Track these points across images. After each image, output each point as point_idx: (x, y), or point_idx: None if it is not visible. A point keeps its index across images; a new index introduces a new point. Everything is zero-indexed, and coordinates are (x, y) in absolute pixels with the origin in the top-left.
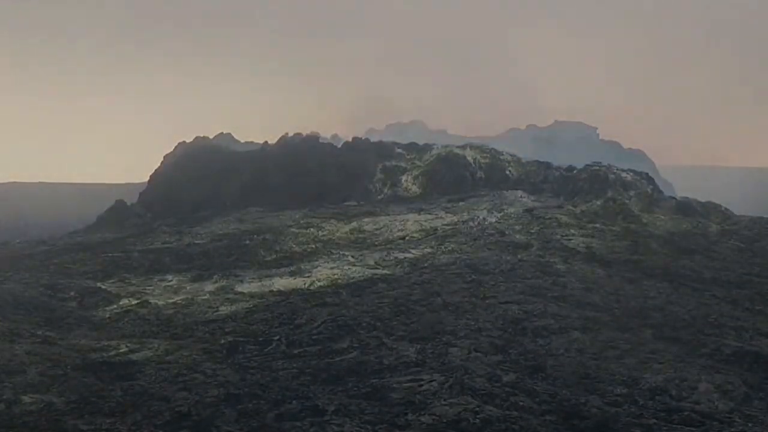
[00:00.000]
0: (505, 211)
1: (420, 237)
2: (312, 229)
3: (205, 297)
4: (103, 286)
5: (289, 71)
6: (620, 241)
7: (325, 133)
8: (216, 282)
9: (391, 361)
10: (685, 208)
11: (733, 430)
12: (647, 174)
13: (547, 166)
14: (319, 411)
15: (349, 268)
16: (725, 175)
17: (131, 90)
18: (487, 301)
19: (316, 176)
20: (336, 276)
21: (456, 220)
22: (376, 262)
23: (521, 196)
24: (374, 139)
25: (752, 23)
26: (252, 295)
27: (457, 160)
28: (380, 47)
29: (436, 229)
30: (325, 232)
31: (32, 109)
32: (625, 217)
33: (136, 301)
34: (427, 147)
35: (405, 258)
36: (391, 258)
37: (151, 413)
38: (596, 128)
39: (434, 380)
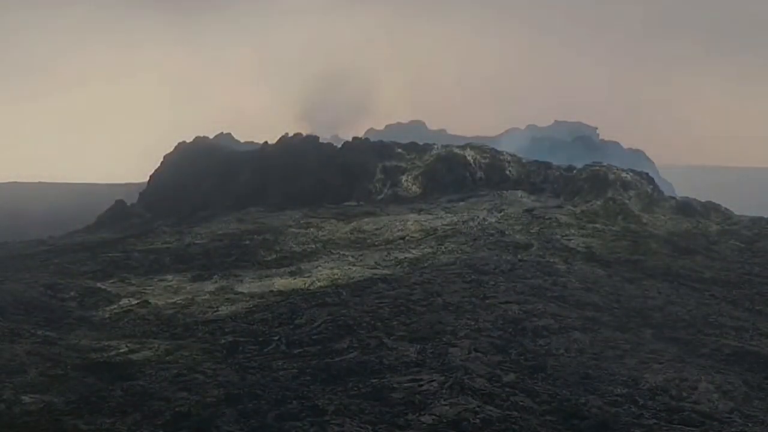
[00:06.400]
0: (505, 211)
1: (420, 237)
2: (312, 229)
3: (205, 297)
4: (103, 286)
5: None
6: (620, 241)
7: (325, 134)
8: (216, 282)
9: (391, 361)
10: (685, 208)
11: (733, 430)
12: (647, 174)
13: (547, 166)
14: (319, 411)
15: (349, 268)
16: (725, 175)
17: (131, 90)
18: (487, 301)
19: (316, 176)
20: (336, 276)
21: (456, 220)
22: (376, 262)
23: (521, 196)
24: (374, 139)
25: (753, 23)
26: (252, 295)
27: (457, 160)
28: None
29: (436, 229)
30: (325, 232)
31: (32, 109)
32: (625, 217)
33: (136, 301)
34: (427, 147)
35: (405, 258)
36: (391, 258)
37: (151, 413)
38: (596, 128)
39: (434, 380)
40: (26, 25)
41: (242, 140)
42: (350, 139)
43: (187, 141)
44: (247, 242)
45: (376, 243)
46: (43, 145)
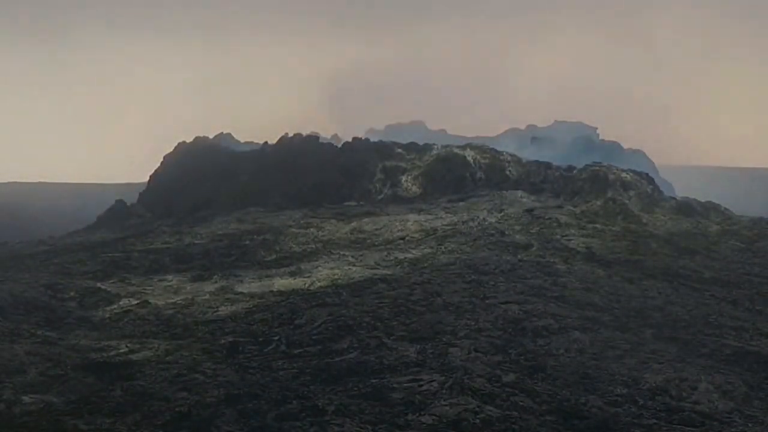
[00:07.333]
0: (505, 211)
1: (420, 237)
2: (312, 229)
3: (205, 297)
4: (103, 286)
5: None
6: (620, 241)
7: (325, 133)
8: (216, 282)
9: (391, 361)
10: (685, 208)
11: (733, 430)
12: (647, 174)
13: (547, 166)
14: (319, 411)
15: (349, 268)
16: (725, 175)
17: (131, 89)
18: (487, 301)
19: (316, 176)
20: (336, 276)
21: (456, 220)
22: (376, 262)
23: (521, 196)
24: (374, 139)
25: (752, 23)
26: (252, 295)
27: (457, 160)
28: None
29: (436, 229)
30: (325, 232)
31: (32, 109)
32: (625, 217)
33: (136, 301)
34: (427, 147)
35: (405, 258)
36: (391, 258)
37: (151, 413)
38: (596, 128)
39: (434, 380)
40: (26, 23)
41: (242, 140)
42: (350, 139)
43: (187, 141)
44: (247, 242)
45: (376, 243)
46: (43, 145)
